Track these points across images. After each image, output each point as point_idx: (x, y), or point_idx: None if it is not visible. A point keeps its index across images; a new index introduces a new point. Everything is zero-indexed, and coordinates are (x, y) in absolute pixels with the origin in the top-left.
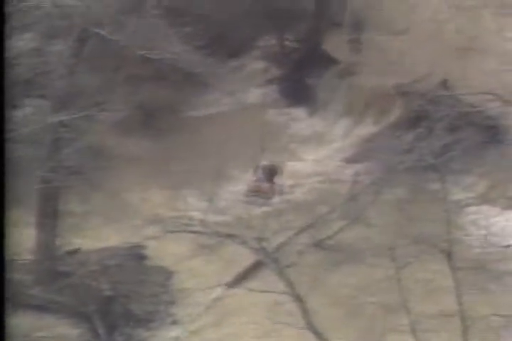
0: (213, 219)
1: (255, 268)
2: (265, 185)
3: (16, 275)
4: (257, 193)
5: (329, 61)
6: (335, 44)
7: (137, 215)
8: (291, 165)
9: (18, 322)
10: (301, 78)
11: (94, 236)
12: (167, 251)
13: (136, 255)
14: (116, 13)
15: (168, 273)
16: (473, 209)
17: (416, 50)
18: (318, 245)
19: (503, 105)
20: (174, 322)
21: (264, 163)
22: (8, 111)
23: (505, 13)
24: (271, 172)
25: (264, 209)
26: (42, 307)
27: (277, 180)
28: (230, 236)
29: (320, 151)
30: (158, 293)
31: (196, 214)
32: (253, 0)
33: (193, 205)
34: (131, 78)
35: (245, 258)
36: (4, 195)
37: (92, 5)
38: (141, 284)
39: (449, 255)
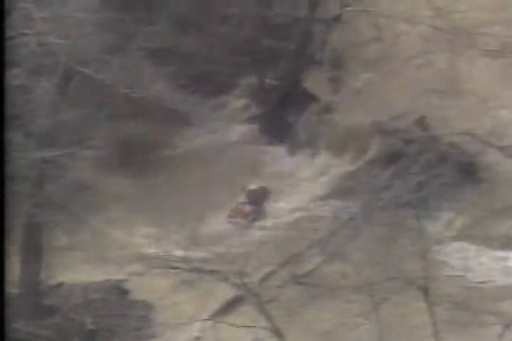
0: (195, 256)
1: (236, 303)
2: (247, 208)
3: None
4: (237, 215)
5: (309, 99)
6: (315, 82)
7: (121, 251)
8: (272, 202)
9: None
10: (282, 116)
11: (78, 270)
12: (150, 287)
13: (119, 289)
14: (101, 52)
15: (150, 308)
16: (450, 245)
17: (395, 89)
18: (298, 280)
19: (481, 146)
20: None
21: (253, 186)
22: None
23: (485, 55)
24: (258, 196)
25: (247, 238)
26: None
27: (265, 203)
28: (211, 272)
29: (300, 188)
30: (140, 327)
31: (178, 251)
32: (234, 38)
33: (176, 242)
34: (114, 116)
35: (226, 293)
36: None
37: (77, 43)
38: (124, 318)
39: (426, 291)
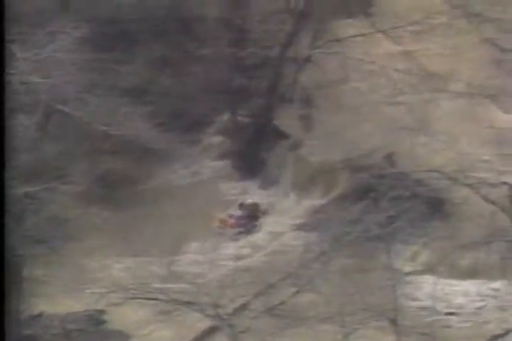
0: (172, 287)
1: (210, 333)
2: (231, 220)
3: None
4: (222, 225)
5: (280, 136)
6: (286, 119)
7: (99, 282)
8: (246, 235)
9: None
10: (254, 152)
11: (57, 301)
12: (127, 317)
13: (96, 319)
14: (80, 91)
15: (127, 338)
16: (417, 277)
17: (364, 127)
18: (271, 311)
19: (448, 182)
20: None
21: (249, 200)
22: None
23: (452, 96)
24: (249, 211)
25: (224, 271)
26: None
27: (258, 218)
28: (187, 303)
29: (272, 222)
30: None
31: (155, 282)
32: (208, 77)
33: (152, 273)
34: (93, 152)
35: (201, 324)
36: None
37: (56, 83)
38: None
39: (394, 322)
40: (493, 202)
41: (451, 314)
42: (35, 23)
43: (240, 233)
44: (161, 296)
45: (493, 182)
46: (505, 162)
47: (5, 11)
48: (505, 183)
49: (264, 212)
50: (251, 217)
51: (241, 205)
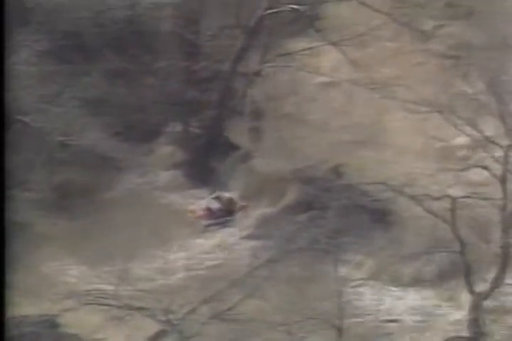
0: (125, 293)
1: (160, 337)
2: (199, 212)
3: None
4: (191, 215)
5: (231, 147)
6: (236, 131)
7: (54, 288)
8: (195, 242)
9: None
10: (205, 162)
11: (13, 305)
12: (81, 322)
13: (51, 323)
14: (39, 102)
15: None
16: (362, 286)
17: (314, 139)
18: (219, 317)
19: (393, 194)
20: None
21: (226, 195)
22: None
23: (401, 109)
24: (225, 204)
25: (175, 279)
26: None
27: (232, 211)
28: (139, 308)
29: (221, 230)
30: None
31: (109, 288)
32: (162, 90)
33: (107, 280)
34: (50, 161)
35: (152, 328)
36: None
37: (16, 95)
38: None
39: (339, 330)
40: (435, 215)
41: (392, 321)
42: None
43: (211, 225)
44: (113, 302)
45: (437, 196)
46: (448, 176)
47: None
48: (448, 196)
49: (242, 208)
50: (226, 210)
51: (217, 198)
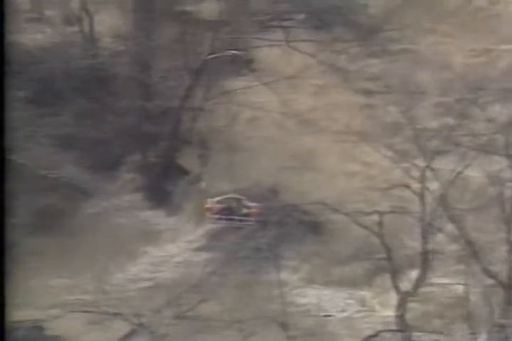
0: (102, 301)
1: (131, 336)
2: (216, 210)
3: None
4: (207, 212)
5: (182, 172)
6: (187, 158)
7: (41, 298)
8: (157, 252)
9: None
10: (162, 186)
11: (5, 313)
12: (64, 326)
13: (38, 327)
14: (22, 141)
15: None
16: (300, 288)
17: (252, 163)
18: (182, 318)
19: (329, 211)
20: None
21: (231, 195)
22: None
23: (330, 136)
24: (228, 203)
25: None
26: None
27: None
28: (115, 314)
29: (177, 242)
30: None
31: (90, 297)
32: (122, 125)
33: (86, 290)
34: (33, 190)
35: (126, 329)
36: None
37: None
38: None
39: (284, 326)
40: (366, 227)
41: (328, 316)
42: None
43: (229, 221)
44: (93, 309)
45: (367, 211)
46: (376, 194)
47: None
48: (376, 212)
49: (251, 209)
50: (230, 208)
51: (230, 199)
